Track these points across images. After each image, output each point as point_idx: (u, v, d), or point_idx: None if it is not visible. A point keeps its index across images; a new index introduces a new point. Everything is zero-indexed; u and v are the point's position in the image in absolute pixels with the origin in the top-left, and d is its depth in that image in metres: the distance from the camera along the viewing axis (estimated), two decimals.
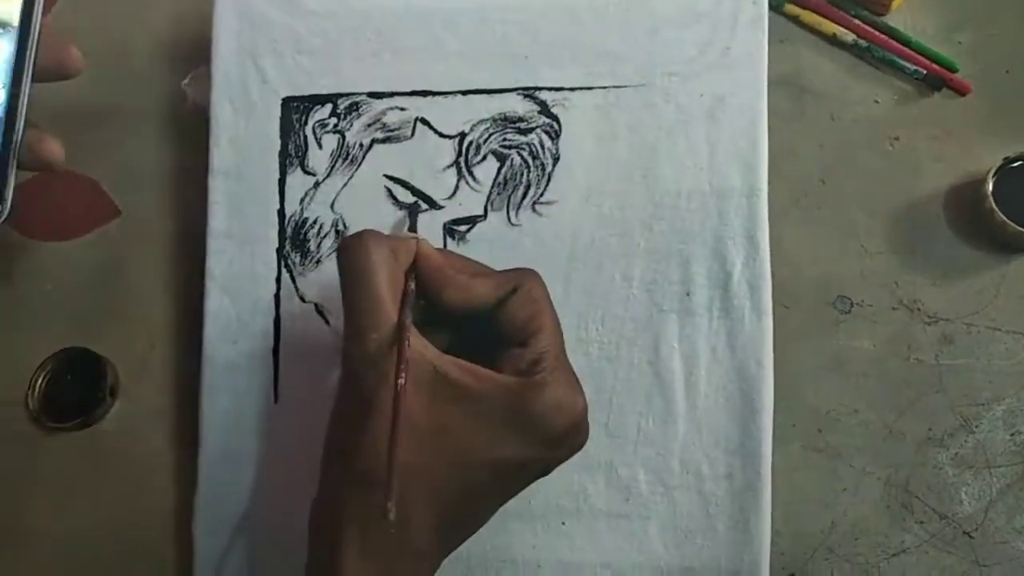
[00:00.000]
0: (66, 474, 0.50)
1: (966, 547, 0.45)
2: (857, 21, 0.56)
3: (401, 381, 0.32)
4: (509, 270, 0.38)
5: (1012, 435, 0.47)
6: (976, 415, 0.47)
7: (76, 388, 0.50)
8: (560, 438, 0.35)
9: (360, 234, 0.36)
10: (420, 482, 0.34)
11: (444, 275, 0.37)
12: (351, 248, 0.36)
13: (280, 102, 0.48)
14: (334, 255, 0.47)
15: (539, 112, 0.47)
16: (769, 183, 0.47)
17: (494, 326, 0.37)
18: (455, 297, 0.37)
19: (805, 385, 0.48)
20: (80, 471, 0.50)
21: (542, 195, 0.46)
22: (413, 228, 0.45)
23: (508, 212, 0.46)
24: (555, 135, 0.47)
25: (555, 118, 0.47)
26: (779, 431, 0.45)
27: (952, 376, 0.48)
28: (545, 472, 0.37)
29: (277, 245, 0.47)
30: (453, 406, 0.34)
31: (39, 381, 0.51)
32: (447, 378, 0.34)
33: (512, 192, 0.46)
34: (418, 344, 0.35)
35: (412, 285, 0.36)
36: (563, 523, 0.44)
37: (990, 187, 0.49)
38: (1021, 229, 0.48)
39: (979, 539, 0.45)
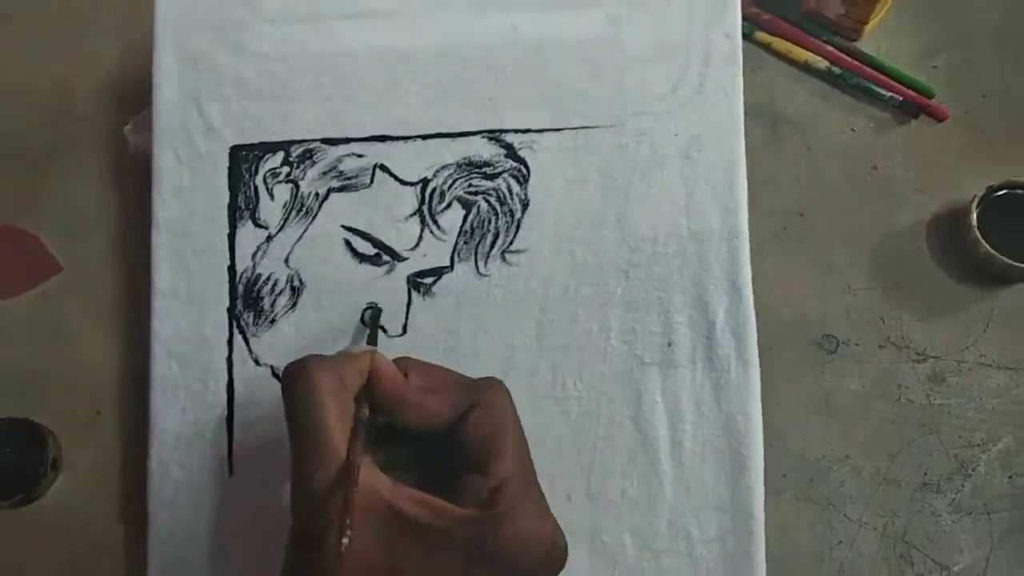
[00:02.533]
0: (5, 554, 0.46)
1: None
2: (830, 47, 0.54)
3: (345, 541, 0.30)
4: (471, 382, 0.36)
5: (1010, 477, 0.45)
6: (972, 457, 0.45)
7: (15, 461, 0.47)
8: (530, 570, 0.33)
9: (303, 362, 0.34)
10: None
11: (398, 396, 0.35)
12: (294, 379, 0.33)
13: (228, 150, 0.45)
14: (289, 314, 0.44)
15: (505, 155, 0.44)
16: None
17: (457, 449, 0.35)
18: (411, 418, 0.35)
19: (793, 431, 0.46)
20: (21, 551, 0.46)
21: (511, 243, 0.44)
22: (373, 339, 0.42)
23: (476, 262, 0.44)
24: (523, 179, 0.44)
25: (523, 161, 0.44)
26: (769, 481, 0.43)
27: (945, 416, 0.46)
28: None
29: (228, 304, 0.44)
30: (410, 544, 0.32)
31: None
32: (402, 515, 0.32)
33: (480, 241, 0.44)
34: (370, 479, 0.32)
35: (365, 411, 0.34)
36: None
37: (974, 217, 0.47)
38: (1008, 261, 0.46)
39: None
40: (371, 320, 0.43)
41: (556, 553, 0.34)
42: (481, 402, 0.35)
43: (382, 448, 0.35)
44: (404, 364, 0.37)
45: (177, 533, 0.43)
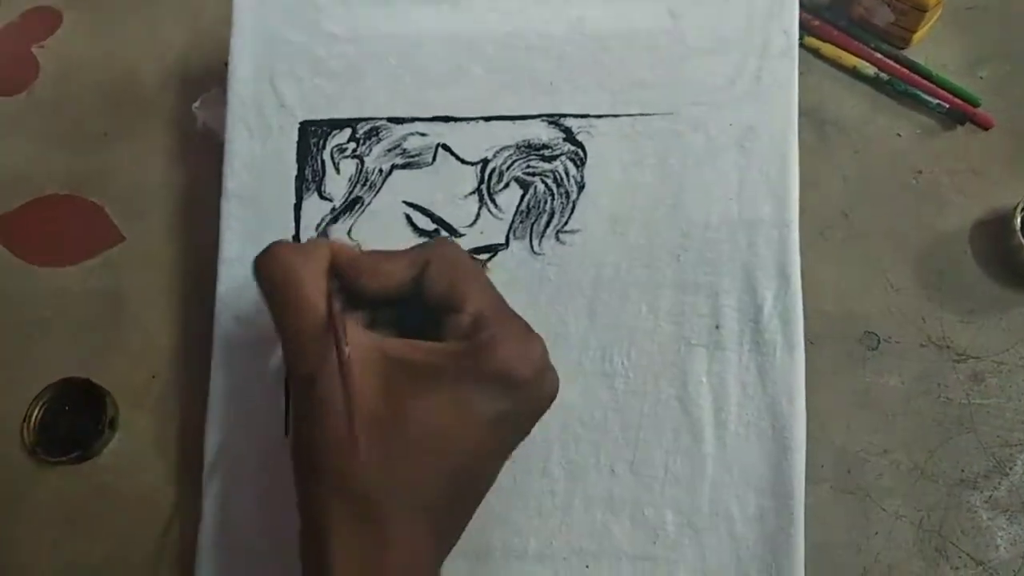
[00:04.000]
0: (63, 510, 0.48)
1: None
2: (878, 55, 0.55)
3: (347, 349, 0.32)
4: (419, 244, 0.37)
5: None
6: (1009, 457, 0.46)
7: (74, 420, 0.49)
8: (524, 384, 0.34)
9: (269, 247, 0.36)
10: (396, 472, 0.32)
11: (357, 264, 0.36)
12: (266, 260, 0.35)
13: (298, 126, 0.47)
14: None
15: (564, 139, 0.46)
16: None
17: (429, 309, 0.36)
18: (371, 284, 0.36)
19: (833, 424, 0.47)
20: (77, 506, 0.48)
21: (566, 224, 0.45)
22: (325, 235, 0.45)
23: (531, 241, 0.45)
24: (580, 163, 0.46)
25: (580, 145, 0.46)
26: (808, 471, 0.43)
27: (983, 416, 0.47)
28: (523, 429, 0.35)
29: None
30: (409, 385, 0.33)
31: (35, 413, 0.49)
32: (393, 359, 0.33)
33: (535, 220, 0.45)
34: (357, 333, 0.34)
35: (335, 283, 0.36)
36: (586, 566, 0.42)
37: (1018, 223, 0.48)
38: None
39: None
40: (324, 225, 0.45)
41: (548, 371, 0.35)
42: (433, 257, 0.36)
43: (362, 316, 0.37)
44: (364, 251, 0.38)
45: (231, 490, 0.44)
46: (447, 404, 0.33)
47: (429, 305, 0.36)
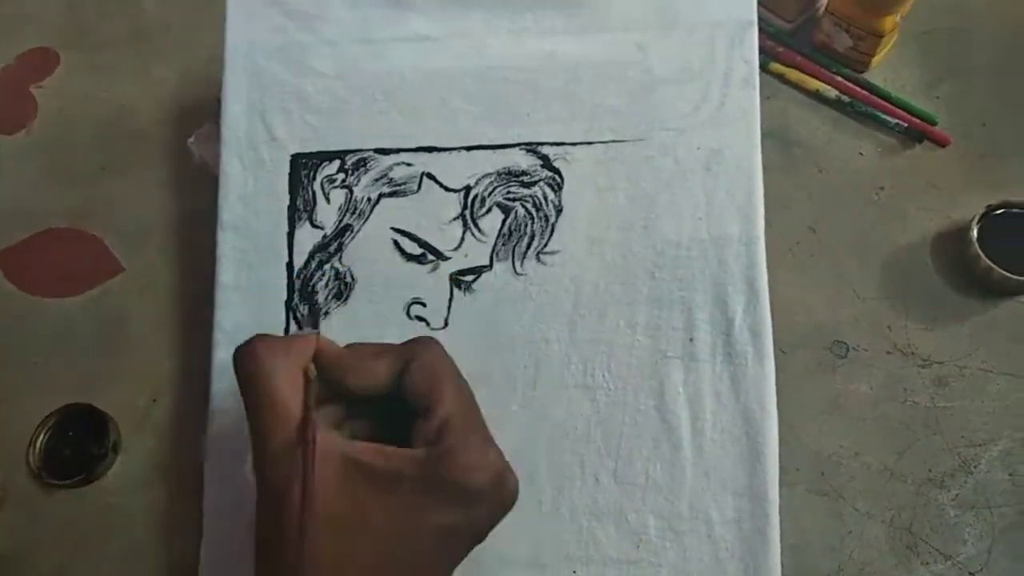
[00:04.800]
0: (68, 531, 0.49)
1: None
2: (839, 78, 0.58)
3: (313, 466, 0.33)
4: (404, 344, 0.39)
5: (1011, 475, 0.48)
6: (974, 456, 0.48)
7: (78, 444, 0.50)
8: (479, 495, 0.35)
9: (250, 342, 0.37)
10: (352, 572, 0.34)
11: (342, 363, 0.38)
12: (243, 357, 0.36)
13: (289, 158, 0.49)
14: (341, 307, 0.47)
15: (542, 166, 0.48)
16: None
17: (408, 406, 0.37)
18: (356, 382, 0.37)
19: (806, 429, 0.49)
20: (82, 528, 0.49)
21: (546, 245, 0.48)
22: (316, 325, 0.47)
23: (513, 262, 0.47)
24: (557, 187, 0.48)
25: (557, 171, 0.48)
26: (783, 475, 0.46)
27: (948, 418, 0.49)
28: (478, 536, 0.37)
29: (286, 298, 0.47)
30: (368, 489, 0.34)
31: (41, 437, 0.50)
32: (357, 463, 0.35)
33: (517, 243, 0.48)
34: (326, 437, 0.35)
35: (313, 370, 0.37)
36: (574, 571, 0.44)
37: (974, 234, 0.51)
38: (1006, 274, 0.50)
39: None
40: (312, 313, 0.47)
41: (507, 480, 0.36)
42: (415, 358, 0.37)
43: (344, 422, 0.38)
44: (350, 346, 0.39)
45: (230, 510, 0.45)
46: (402, 510, 0.34)
47: (407, 404, 0.37)
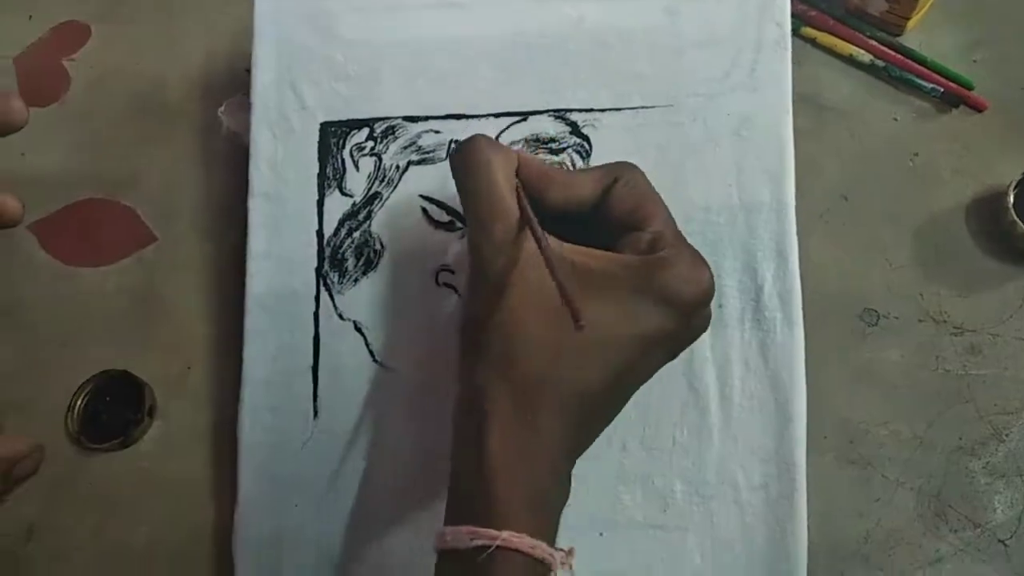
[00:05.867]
0: (105, 494, 0.50)
1: (1001, 555, 0.45)
2: (873, 42, 0.57)
3: (542, 240, 0.33)
4: (607, 164, 0.39)
5: None
6: (1006, 424, 0.48)
7: (115, 409, 0.51)
8: (692, 307, 0.35)
9: (473, 137, 0.37)
10: (559, 367, 0.34)
11: (546, 175, 0.38)
12: (467, 149, 0.37)
13: (318, 127, 0.49)
14: (371, 274, 0.48)
15: (570, 132, 0.48)
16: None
17: (603, 226, 0.37)
18: (559, 195, 0.37)
19: (836, 397, 0.49)
20: (119, 491, 0.50)
21: None
22: None
23: None
24: (586, 154, 0.48)
25: (586, 138, 0.48)
26: (812, 443, 0.46)
27: (980, 386, 0.49)
28: (674, 352, 0.37)
29: (316, 265, 0.48)
30: (583, 289, 0.34)
31: (79, 403, 0.52)
32: (571, 263, 0.35)
33: None
34: (544, 234, 0.35)
35: (520, 187, 0.37)
36: (600, 533, 0.44)
37: (1011, 199, 0.50)
38: None
39: (1014, 546, 0.45)
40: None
41: (709, 303, 0.36)
42: (622, 178, 0.38)
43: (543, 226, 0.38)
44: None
45: (264, 471, 0.47)
46: (614, 312, 0.34)
47: (606, 224, 0.37)
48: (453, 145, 0.49)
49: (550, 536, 0.35)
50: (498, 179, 0.36)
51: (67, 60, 0.63)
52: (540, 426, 0.34)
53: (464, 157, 0.37)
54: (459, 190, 0.37)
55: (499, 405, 0.34)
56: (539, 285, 0.34)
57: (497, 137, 0.48)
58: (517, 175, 0.38)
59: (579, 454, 0.37)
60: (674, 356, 0.37)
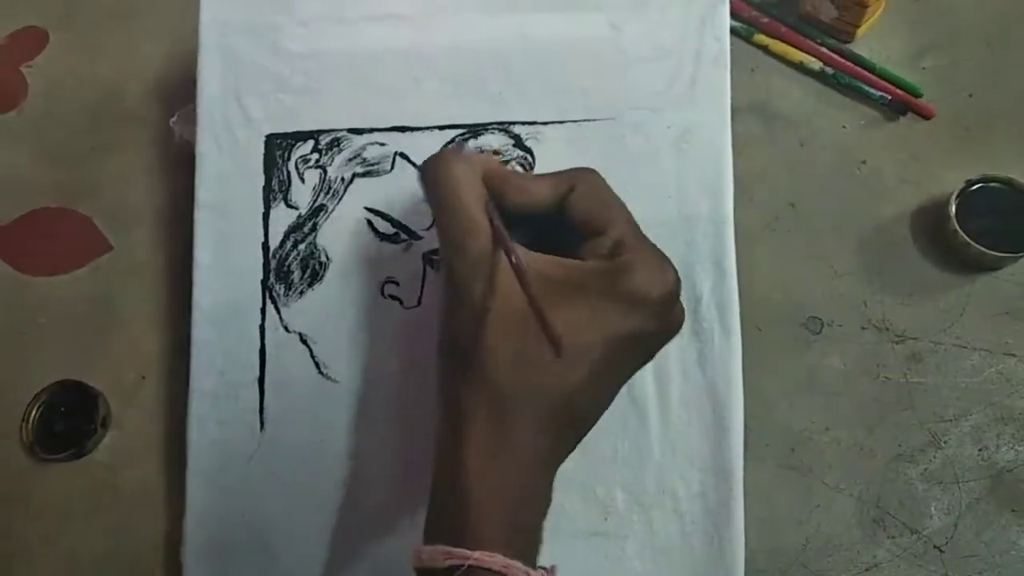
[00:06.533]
0: (59, 503, 0.51)
1: (936, 561, 0.46)
2: (824, 49, 0.58)
3: (515, 259, 0.34)
4: (565, 170, 0.39)
5: (980, 450, 0.48)
6: (944, 431, 0.48)
7: (69, 420, 0.52)
8: (662, 306, 0.36)
9: (443, 153, 0.38)
10: (533, 378, 0.34)
11: (505, 179, 0.38)
12: (434, 166, 0.37)
13: (264, 139, 0.49)
14: (316, 286, 0.48)
15: (513, 145, 0.49)
16: (740, 207, 0.48)
17: (568, 229, 0.38)
18: (517, 199, 0.38)
19: (778, 405, 0.49)
20: (73, 500, 0.51)
21: None
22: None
23: None
24: (529, 166, 0.48)
25: (529, 151, 0.48)
26: (753, 450, 0.46)
27: (921, 393, 0.49)
28: (647, 355, 0.37)
29: (262, 277, 0.48)
30: (550, 298, 0.34)
31: (33, 413, 0.52)
32: (539, 273, 0.35)
33: None
34: (514, 246, 0.35)
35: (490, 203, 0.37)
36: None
37: (953, 209, 0.51)
38: (983, 249, 0.49)
39: (949, 553, 0.46)
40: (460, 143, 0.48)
41: (678, 300, 0.37)
42: (579, 183, 0.38)
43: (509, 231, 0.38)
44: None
45: (213, 482, 0.47)
46: (585, 318, 0.34)
47: (568, 228, 0.38)
48: (397, 158, 0.49)
49: (530, 551, 0.35)
50: (467, 195, 0.36)
51: (25, 67, 0.63)
52: (518, 442, 0.34)
53: (432, 174, 0.37)
54: (430, 206, 0.38)
55: (476, 423, 0.34)
56: (514, 299, 0.34)
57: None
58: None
59: (560, 463, 0.37)
60: (651, 357, 0.38)
